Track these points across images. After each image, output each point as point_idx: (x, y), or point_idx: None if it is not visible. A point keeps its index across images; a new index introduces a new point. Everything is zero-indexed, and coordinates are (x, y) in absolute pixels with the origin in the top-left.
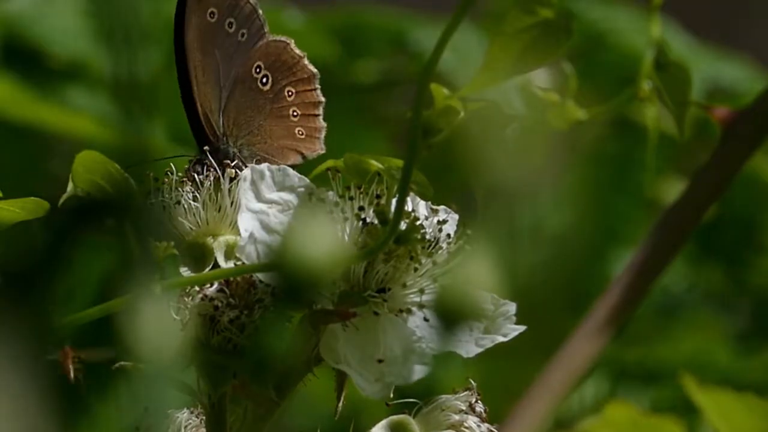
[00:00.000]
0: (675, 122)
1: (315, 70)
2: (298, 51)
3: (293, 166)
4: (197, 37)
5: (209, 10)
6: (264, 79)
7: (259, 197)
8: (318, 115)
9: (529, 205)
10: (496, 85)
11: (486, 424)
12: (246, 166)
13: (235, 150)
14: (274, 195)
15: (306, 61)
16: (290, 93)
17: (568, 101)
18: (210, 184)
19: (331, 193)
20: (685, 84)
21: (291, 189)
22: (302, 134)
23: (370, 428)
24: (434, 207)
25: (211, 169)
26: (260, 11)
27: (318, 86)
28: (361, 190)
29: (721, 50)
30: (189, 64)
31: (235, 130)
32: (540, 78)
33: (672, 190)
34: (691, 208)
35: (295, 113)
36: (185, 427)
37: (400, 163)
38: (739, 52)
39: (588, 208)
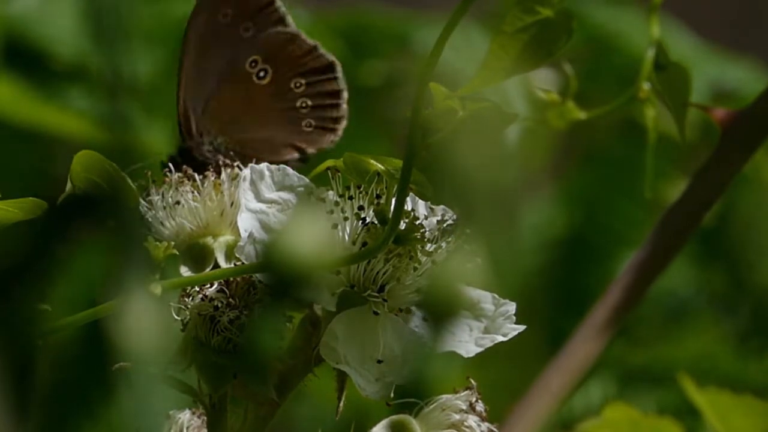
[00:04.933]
0: (675, 123)
1: (331, 58)
2: (309, 41)
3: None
4: (201, 35)
5: (222, 11)
6: (261, 73)
7: (258, 197)
8: (334, 105)
9: (530, 205)
10: (496, 83)
11: (486, 424)
12: (223, 163)
13: (210, 148)
14: (274, 195)
15: (321, 51)
16: (298, 84)
17: (569, 101)
18: (209, 184)
19: (331, 192)
20: (685, 85)
21: (290, 189)
22: (310, 126)
23: (371, 428)
24: (433, 207)
25: (183, 168)
26: (280, 4)
27: (338, 75)
28: (361, 189)
29: (727, 52)
30: (184, 61)
31: (216, 128)
32: (541, 78)
33: (676, 191)
34: (691, 209)
35: (304, 105)
36: (187, 427)
37: (399, 163)
38: (746, 54)
39: (592, 210)
